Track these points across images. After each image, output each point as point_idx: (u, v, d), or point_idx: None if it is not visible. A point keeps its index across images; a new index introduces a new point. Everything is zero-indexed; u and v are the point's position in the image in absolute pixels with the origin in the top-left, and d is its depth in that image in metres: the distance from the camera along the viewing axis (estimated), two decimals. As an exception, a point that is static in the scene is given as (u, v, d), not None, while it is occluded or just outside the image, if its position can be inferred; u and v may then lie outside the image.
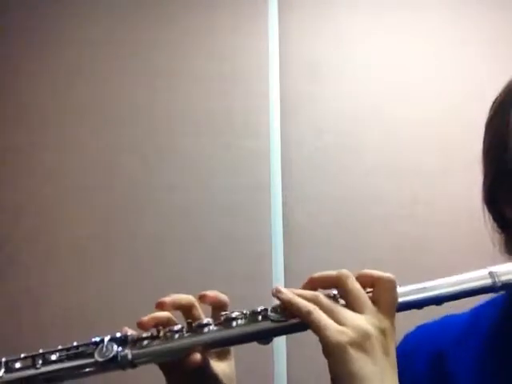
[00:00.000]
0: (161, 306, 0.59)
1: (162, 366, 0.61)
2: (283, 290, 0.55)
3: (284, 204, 1.64)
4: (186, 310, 0.61)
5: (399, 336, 0.76)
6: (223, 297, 0.61)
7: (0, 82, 1.75)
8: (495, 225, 0.70)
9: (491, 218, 0.70)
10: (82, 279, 1.62)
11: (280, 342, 1.53)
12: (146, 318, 0.59)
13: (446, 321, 0.76)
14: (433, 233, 1.62)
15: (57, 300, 1.60)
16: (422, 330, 0.77)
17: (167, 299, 0.59)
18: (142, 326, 0.58)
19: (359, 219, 1.64)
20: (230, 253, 1.62)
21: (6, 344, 1.56)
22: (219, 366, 0.63)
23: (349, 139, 1.69)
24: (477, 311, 0.74)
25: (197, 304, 0.61)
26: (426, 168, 1.66)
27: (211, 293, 0.61)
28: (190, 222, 1.65)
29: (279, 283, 1.56)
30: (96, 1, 1.79)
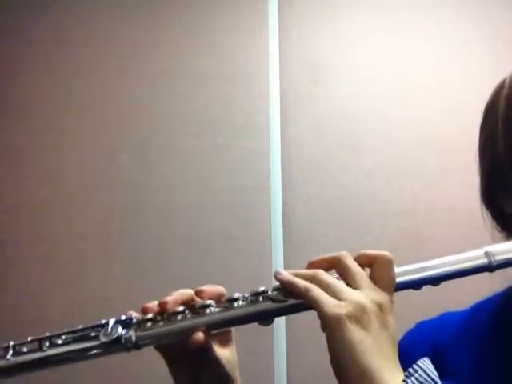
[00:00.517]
0: (164, 306, 0.59)
1: (163, 351, 0.61)
2: (282, 271, 0.57)
3: (284, 204, 1.64)
4: (188, 302, 0.61)
5: (399, 334, 0.76)
6: (220, 289, 0.62)
7: (0, 81, 1.75)
8: (494, 223, 0.71)
9: (490, 216, 0.71)
10: (82, 279, 1.62)
11: (280, 341, 1.53)
12: (150, 304, 0.60)
13: (446, 318, 0.76)
14: (433, 233, 1.62)
15: (57, 300, 1.60)
16: (421, 326, 0.78)
17: (169, 299, 0.60)
18: (145, 310, 0.59)
19: (359, 219, 1.64)
20: (229, 253, 1.62)
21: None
22: (222, 352, 0.64)
23: (349, 139, 1.69)
24: (476, 308, 0.74)
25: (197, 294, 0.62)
26: (425, 168, 1.66)
27: (208, 287, 0.62)
28: (190, 222, 1.65)
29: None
30: (96, 1, 1.79)
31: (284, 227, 1.62)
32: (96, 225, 1.66)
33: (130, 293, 1.59)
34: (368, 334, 0.51)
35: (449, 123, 1.68)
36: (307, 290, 0.54)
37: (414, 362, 0.67)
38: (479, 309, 0.74)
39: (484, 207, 0.71)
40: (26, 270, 1.63)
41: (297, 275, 0.56)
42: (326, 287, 0.54)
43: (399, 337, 0.77)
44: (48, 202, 1.67)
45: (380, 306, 0.53)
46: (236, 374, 0.65)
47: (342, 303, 0.52)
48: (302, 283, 0.55)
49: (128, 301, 1.61)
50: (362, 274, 0.55)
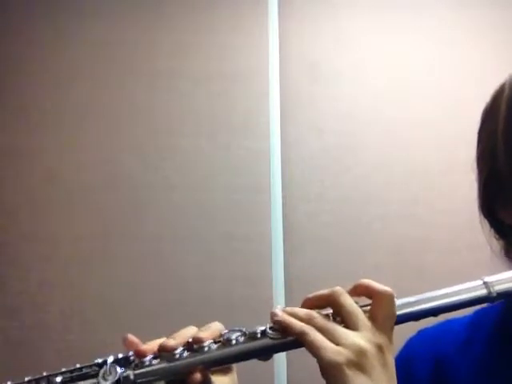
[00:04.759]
0: (164, 350, 0.57)
1: None
2: (278, 312, 0.56)
3: (284, 204, 1.64)
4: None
5: (400, 340, 0.75)
6: (219, 328, 0.59)
7: (0, 81, 1.75)
8: (492, 230, 0.70)
9: (488, 224, 0.70)
10: (82, 279, 1.62)
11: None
12: (147, 347, 0.57)
13: (448, 325, 0.75)
14: (433, 233, 1.62)
15: (57, 300, 1.60)
16: (423, 334, 0.77)
17: (172, 343, 0.57)
18: (141, 354, 0.57)
19: (359, 219, 1.64)
20: (229, 253, 1.62)
21: (7, 344, 1.56)
22: (221, 380, 0.62)
23: (349, 139, 1.69)
24: (478, 315, 0.74)
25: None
26: (426, 168, 1.66)
27: (204, 333, 0.58)
28: (190, 222, 1.65)
29: (279, 283, 1.56)
30: (96, 1, 1.79)
31: (284, 227, 1.62)
32: (96, 225, 1.66)
33: (129, 293, 1.59)
34: (368, 378, 0.51)
35: (449, 123, 1.68)
36: (304, 333, 0.53)
37: (417, 373, 0.67)
38: (481, 316, 0.73)
39: (482, 215, 0.71)
40: (26, 270, 1.63)
41: (293, 315, 0.55)
42: (324, 330, 0.53)
43: (400, 344, 0.76)
44: (48, 202, 1.67)
45: (380, 348, 0.52)
46: None
47: (341, 349, 0.51)
48: (298, 326, 0.53)
49: (128, 300, 1.61)
50: (359, 314, 0.54)
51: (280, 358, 1.54)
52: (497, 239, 0.70)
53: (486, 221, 0.70)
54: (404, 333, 0.75)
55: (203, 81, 1.73)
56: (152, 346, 0.57)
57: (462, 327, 0.74)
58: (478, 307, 0.74)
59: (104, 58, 1.76)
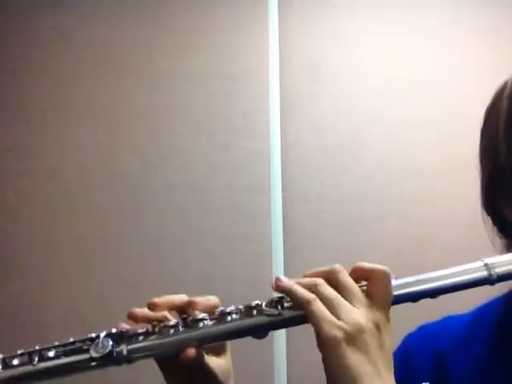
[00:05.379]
0: (153, 307, 0.58)
1: (159, 362, 0.61)
2: (283, 278, 0.56)
3: (284, 204, 1.64)
4: (180, 310, 0.60)
5: (400, 336, 0.76)
6: (214, 301, 0.60)
7: (0, 82, 1.75)
8: (495, 228, 0.70)
9: (491, 221, 0.70)
10: (82, 279, 1.62)
11: (280, 341, 1.53)
12: (138, 313, 0.59)
13: (448, 322, 0.75)
14: (433, 233, 1.62)
15: (57, 300, 1.60)
16: (423, 330, 0.77)
17: (158, 300, 0.59)
18: (132, 317, 0.58)
19: (359, 219, 1.64)
20: (229, 253, 1.62)
21: (7, 345, 1.55)
22: (215, 361, 0.63)
23: (349, 139, 1.69)
24: (479, 312, 0.74)
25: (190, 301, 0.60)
26: (425, 168, 1.66)
27: (202, 299, 0.59)
28: (189, 222, 1.65)
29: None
30: (96, 1, 1.79)
31: (284, 227, 1.62)
32: (96, 225, 1.66)
33: (130, 293, 1.59)
34: (365, 356, 0.51)
35: (449, 123, 1.68)
36: (309, 302, 0.53)
37: (416, 369, 0.67)
38: (482, 314, 0.73)
39: (485, 213, 0.70)
40: (26, 270, 1.63)
41: (297, 282, 0.55)
42: (326, 301, 0.53)
43: (399, 339, 0.76)
44: (48, 203, 1.67)
45: (377, 326, 0.53)
46: (230, 383, 0.64)
47: (342, 324, 0.51)
48: (303, 293, 0.53)
49: (128, 301, 1.61)
50: (357, 291, 0.54)
51: (280, 356, 1.54)
52: (499, 237, 0.70)
53: (488, 218, 0.70)
54: (404, 328, 0.75)
55: (203, 81, 1.73)
56: (142, 310, 0.58)
57: (462, 324, 0.74)
58: (479, 304, 0.74)
59: (104, 58, 1.76)
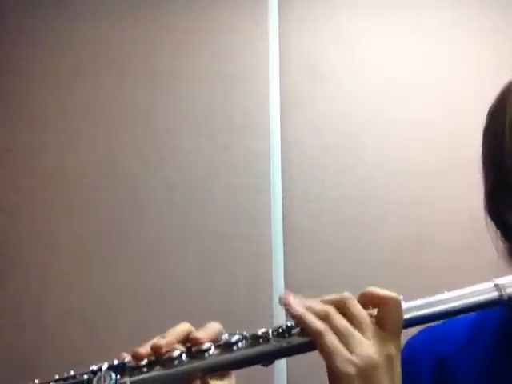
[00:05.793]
0: (158, 351, 0.54)
1: None
2: (293, 301, 0.53)
3: (284, 204, 1.64)
4: (184, 339, 0.57)
5: (403, 338, 0.75)
6: (215, 328, 0.57)
7: (0, 82, 1.75)
8: (498, 232, 0.69)
9: (494, 225, 0.69)
10: (82, 279, 1.62)
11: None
12: (142, 350, 0.55)
13: (450, 325, 0.75)
14: (433, 233, 1.62)
15: (57, 300, 1.60)
16: (425, 334, 0.76)
17: (163, 343, 0.55)
18: (137, 356, 0.55)
19: (359, 219, 1.64)
20: (230, 253, 1.62)
21: (8, 345, 1.56)
22: None
23: (349, 139, 1.69)
24: (481, 315, 0.73)
25: (193, 329, 0.58)
26: (425, 168, 1.66)
27: (202, 333, 0.56)
28: (189, 222, 1.65)
29: (279, 283, 1.56)
30: (96, 1, 1.79)
31: (284, 227, 1.62)
32: (96, 225, 1.66)
33: (129, 293, 1.59)
34: None
35: (449, 123, 1.68)
36: (320, 333, 0.51)
37: (418, 373, 0.66)
38: (485, 316, 0.72)
39: (488, 217, 0.69)
40: (26, 270, 1.63)
41: (308, 309, 0.53)
42: (339, 333, 0.51)
43: (403, 341, 0.76)
44: (48, 202, 1.67)
45: (390, 359, 0.52)
46: None
47: (354, 359, 0.50)
48: (315, 323, 0.52)
49: (128, 301, 1.61)
50: (368, 323, 0.53)
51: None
52: (503, 242, 0.69)
53: (492, 223, 0.69)
54: (407, 330, 0.75)
55: (203, 81, 1.73)
56: (147, 348, 0.55)
57: (465, 326, 0.73)
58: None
59: (104, 58, 1.76)
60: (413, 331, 0.78)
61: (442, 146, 1.67)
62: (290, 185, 1.66)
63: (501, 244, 0.69)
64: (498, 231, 0.69)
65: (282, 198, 1.64)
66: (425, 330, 0.77)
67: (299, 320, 0.53)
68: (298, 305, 0.53)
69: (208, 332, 0.56)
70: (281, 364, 1.54)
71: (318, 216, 1.64)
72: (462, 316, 0.75)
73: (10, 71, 1.75)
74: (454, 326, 0.74)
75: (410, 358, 0.72)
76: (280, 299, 0.54)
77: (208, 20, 1.77)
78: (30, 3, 1.78)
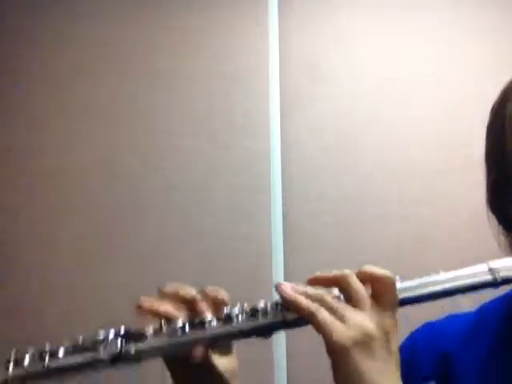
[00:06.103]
0: (163, 296, 0.60)
1: (167, 361, 0.62)
2: (285, 287, 0.55)
3: (284, 204, 1.64)
4: (189, 304, 0.61)
5: (404, 333, 0.75)
6: (223, 294, 0.61)
7: (0, 82, 1.75)
8: (500, 227, 0.70)
9: (496, 220, 0.70)
10: (82, 279, 1.62)
11: (280, 339, 1.53)
12: (146, 305, 0.61)
13: (452, 320, 0.75)
14: (433, 233, 1.62)
15: (57, 300, 1.60)
16: (427, 328, 0.77)
17: (170, 290, 0.61)
18: (139, 310, 0.60)
19: (359, 219, 1.64)
20: (229, 253, 1.62)
21: (7, 345, 1.55)
22: (221, 360, 0.64)
23: (349, 139, 1.69)
24: (483, 310, 0.74)
25: (199, 298, 0.61)
26: (425, 168, 1.66)
27: (211, 291, 0.62)
28: (190, 222, 1.65)
29: (279, 283, 1.56)
30: (96, 1, 1.79)
31: (284, 227, 1.62)
32: (96, 225, 1.66)
33: (129, 293, 1.58)
34: (374, 362, 0.51)
35: (449, 123, 1.68)
36: (313, 313, 0.52)
37: (420, 367, 0.67)
38: (486, 311, 0.73)
39: (490, 211, 0.70)
40: (26, 270, 1.63)
41: (300, 293, 0.55)
42: (332, 310, 0.53)
43: (403, 336, 0.76)
44: (48, 202, 1.67)
45: (386, 331, 0.53)
46: (234, 383, 0.65)
47: (349, 332, 0.51)
48: (307, 305, 0.53)
49: (128, 300, 1.61)
50: (365, 295, 0.54)
51: (280, 354, 1.53)
52: (505, 236, 0.70)
53: (493, 217, 0.70)
54: (409, 326, 0.75)
55: (203, 81, 1.73)
56: (149, 308, 0.59)
57: (468, 321, 0.74)
58: (482, 304, 0.74)
59: (104, 58, 1.76)
60: (414, 326, 0.78)
61: (442, 146, 1.67)
62: (290, 185, 1.66)
63: (503, 239, 0.70)
64: (500, 226, 0.70)
65: (282, 198, 1.64)
66: (427, 324, 0.77)
67: (292, 304, 0.54)
68: (291, 290, 0.55)
69: (214, 294, 0.61)
70: (281, 364, 1.54)
71: (317, 216, 1.64)
72: (463, 313, 0.75)
73: (10, 71, 1.75)
74: (457, 321, 0.75)
75: (411, 350, 0.73)
76: (275, 287, 0.56)
77: (208, 20, 1.77)
78: (29, 3, 1.78)
